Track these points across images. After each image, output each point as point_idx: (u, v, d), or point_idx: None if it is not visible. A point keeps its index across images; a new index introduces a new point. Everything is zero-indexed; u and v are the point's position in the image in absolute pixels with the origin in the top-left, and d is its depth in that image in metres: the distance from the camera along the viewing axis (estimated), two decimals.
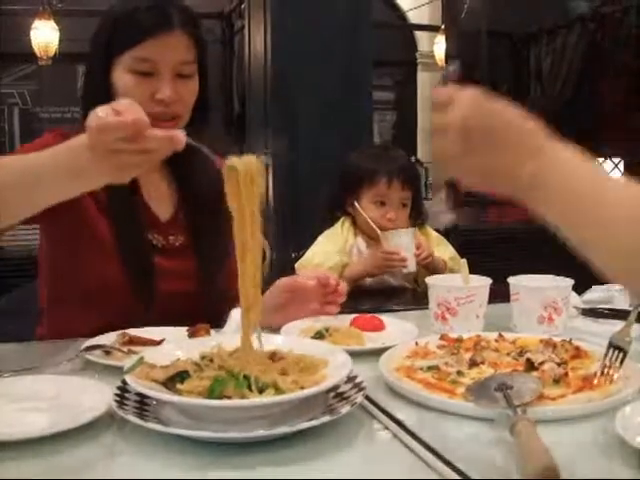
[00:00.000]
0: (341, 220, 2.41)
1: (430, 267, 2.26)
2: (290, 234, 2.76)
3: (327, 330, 1.42)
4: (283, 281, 1.59)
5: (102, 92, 1.53)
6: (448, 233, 4.69)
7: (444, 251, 2.38)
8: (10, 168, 1.19)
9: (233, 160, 1.03)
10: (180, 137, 1.08)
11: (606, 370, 1.09)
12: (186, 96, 1.56)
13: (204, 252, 1.68)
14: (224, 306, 1.69)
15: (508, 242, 4.99)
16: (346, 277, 2.19)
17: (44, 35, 6.35)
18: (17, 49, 7.17)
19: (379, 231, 2.24)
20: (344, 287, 1.54)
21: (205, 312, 1.60)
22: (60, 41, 6.51)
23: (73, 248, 1.60)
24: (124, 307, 1.56)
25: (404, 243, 2.20)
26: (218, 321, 1.62)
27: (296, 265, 2.30)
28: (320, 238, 2.36)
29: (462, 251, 2.57)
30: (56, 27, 6.42)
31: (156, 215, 1.67)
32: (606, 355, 1.12)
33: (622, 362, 1.11)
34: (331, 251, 2.29)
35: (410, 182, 2.35)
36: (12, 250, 4.25)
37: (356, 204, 2.32)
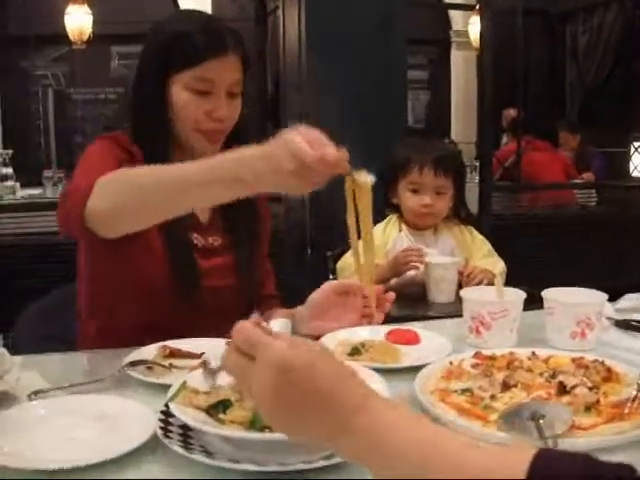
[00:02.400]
0: (388, 217, 2.43)
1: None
2: (324, 230, 2.77)
3: (363, 346, 1.45)
4: (336, 282, 1.66)
5: (157, 106, 1.65)
6: (480, 218, 4.70)
7: (493, 264, 2.32)
8: (154, 176, 1.34)
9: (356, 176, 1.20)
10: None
11: (638, 399, 1.11)
12: (234, 113, 1.68)
13: (240, 250, 1.77)
14: (259, 299, 1.81)
15: (540, 227, 4.97)
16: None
17: (78, 20, 6.43)
18: (50, 31, 7.23)
19: (425, 261, 2.22)
20: (392, 295, 1.56)
21: (243, 304, 1.73)
22: (93, 22, 6.57)
23: (119, 248, 1.65)
24: (169, 303, 1.63)
25: (448, 275, 2.17)
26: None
27: (337, 265, 2.31)
28: None
29: (493, 236, 2.57)
30: (89, 11, 6.47)
31: (198, 217, 1.74)
32: (638, 384, 1.13)
33: None
34: None
35: (444, 169, 2.32)
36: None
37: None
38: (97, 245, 1.70)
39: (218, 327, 1.54)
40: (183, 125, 1.65)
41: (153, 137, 1.68)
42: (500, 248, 2.49)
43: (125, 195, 1.38)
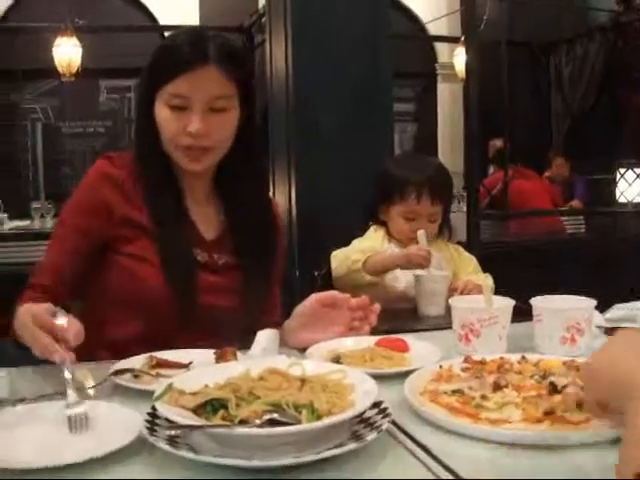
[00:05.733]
0: (372, 228, 2.42)
1: None
2: (311, 251, 2.77)
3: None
4: (322, 294, 1.64)
5: (148, 124, 1.65)
6: (469, 247, 4.70)
7: (483, 279, 2.30)
8: None
9: None
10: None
11: None
12: (218, 129, 1.63)
13: (250, 271, 1.74)
14: (261, 326, 1.74)
15: (531, 254, 4.97)
16: (371, 262, 2.20)
17: (66, 52, 6.46)
18: (39, 65, 7.26)
19: (416, 274, 2.19)
20: (378, 307, 1.56)
21: (240, 327, 1.64)
22: (82, 57, 6.61)
23: (114, 262, 1.66)
24: (164, 317, 1.61)
25: (438, 288, 2.15)
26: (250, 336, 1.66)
27: (332, 258, 2.29)
28: (353, 242, 2.37)
29: (482, 264, 2.57)
30: (78, 44, 6.51)
31: (201, 234, 1.73)
32: None
33: None
34: (361, 247, 2.29)
35: (440, 196, 2.32)
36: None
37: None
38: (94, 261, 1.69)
39: (212, 345, 1.52)
40: (166, 142, 1.65)
41: (149, 156, 1.69)
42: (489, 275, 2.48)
43: None
